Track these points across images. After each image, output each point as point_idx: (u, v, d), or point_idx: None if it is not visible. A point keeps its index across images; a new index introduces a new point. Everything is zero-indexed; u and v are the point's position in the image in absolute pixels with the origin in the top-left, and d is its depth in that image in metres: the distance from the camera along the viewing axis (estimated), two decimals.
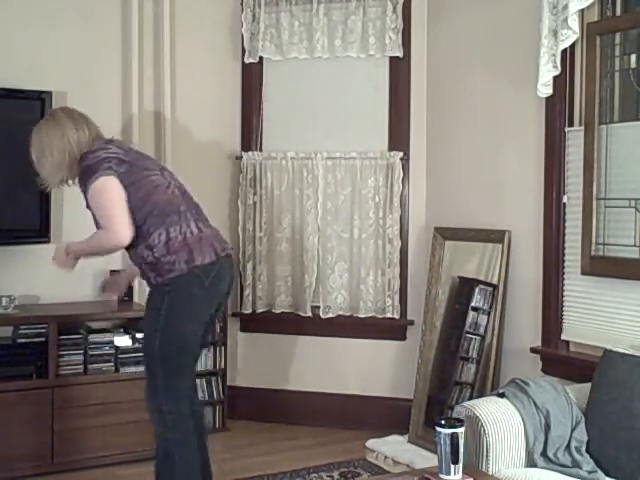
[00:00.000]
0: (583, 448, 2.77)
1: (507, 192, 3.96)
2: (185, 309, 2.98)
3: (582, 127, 3.49)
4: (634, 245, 3.28)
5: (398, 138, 4.51)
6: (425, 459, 3.73)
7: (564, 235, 3.66)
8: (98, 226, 3.03)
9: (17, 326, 3.93)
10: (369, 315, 4.54)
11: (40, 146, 3.07)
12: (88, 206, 3.02)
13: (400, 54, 4.45)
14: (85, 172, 2.96)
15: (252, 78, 4.72)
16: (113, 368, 4.01)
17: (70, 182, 3.15)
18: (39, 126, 3.13)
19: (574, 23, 3.36)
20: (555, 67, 3.49)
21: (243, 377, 4.74)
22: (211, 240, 3.03)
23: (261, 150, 4.70)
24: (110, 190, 2.92)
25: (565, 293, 3.65)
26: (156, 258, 2.96)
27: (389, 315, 4.51)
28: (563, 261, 3.66)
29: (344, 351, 4.59)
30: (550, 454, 2.74)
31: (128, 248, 3.04)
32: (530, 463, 2.76)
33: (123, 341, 4.07)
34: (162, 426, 3.01)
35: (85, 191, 2.98)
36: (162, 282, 2.98)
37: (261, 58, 4.65)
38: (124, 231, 2.91)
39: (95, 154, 2.97)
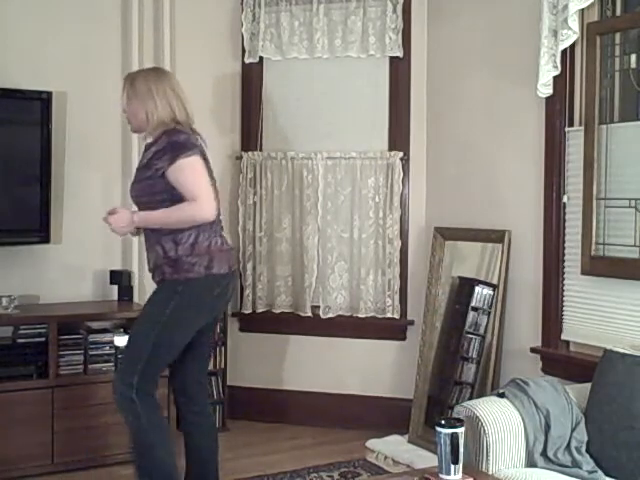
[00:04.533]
0: (583, 448, 2.77)
1: (507, 192, 3.96)
2: (190, 313, 3.06)
3: (582, 127, 3.49)
4: (634, 245, 3.28)
5: (398, 138, 4.51)
6: (425, 459, 3.73)
7: (564, 235, 3.66)
8: (141, 206, 3.09)
9: (17, 326, 3.92)
10: (369, 315, 4.53)
11: (153, 91, 3.13)
12: (144, 180, 3.06)
13: (400, 54, 4.45)
14: (175, 146, 3.02)
15: (252, 78, 4.71)
16: (113, 368, 4.01)
17: (146, 137, 3.23)
18: (160, 74, 3.23)
19: (574, 23, 3.36)
20: (555, 67, 3.49)
21: (243, 377, 4.74)
22: (228, 255, 3.15)
23: (261, 150, 4.70)
24: (201, 169, 3.04)
25: (565, 293, 3.66)
26: (178, 255, 3.02)
27: (389, 315, 4.51)
28: (563, 261, 3.66)
29: (344, 351, 4.59)
30: (550, 454, 2.74)
31: (152, 231, 3.09)
32: (530, 463, 2.76)
33: (123, 341, 4.04)
34: (132, 414, 3.04)
35: (170, 163, 2.99)
36: (177, 279, 3.02)
37: (261, 58, 4.65)
38: (211, 207, 3.00)
39: (185, 134, 3.07)
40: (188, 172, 3.00)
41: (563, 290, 3.66)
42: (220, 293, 3.11)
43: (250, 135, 4.73)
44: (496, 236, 3.97)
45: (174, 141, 3.04)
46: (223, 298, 3.17)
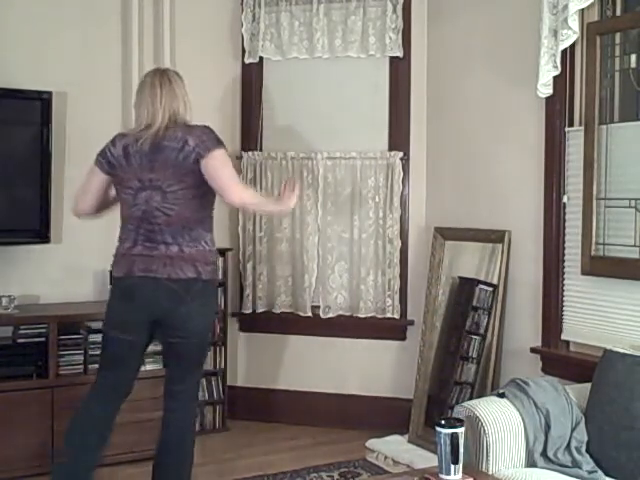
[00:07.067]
0: (583, 448, 2.77)
1: (507, 192, 3.96)
2: (106, 313, 3.21)
3: (582, 127, 3.49)
4: (634, 245, 3.28)
5: (398, 138, 4.51)
6: (425, 459, 3.73)
7: (564, 235, 3.66)
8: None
9: (17, 326, 3.92)
10: (369, 315, 4.53)
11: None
12: None
13: (400, 54, 4.45)
14: None
15: (252, 78, 4.72)
16: None
17: None
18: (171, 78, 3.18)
19: (574, 23, 3.36)
20: (555, 67, 3.49)
21: (243, 377, 4.74)
22: (134, 259, 3.08)
23: (261, 150, 4.70)
24: (88, 173, 3.22)
25: (565, 293, 3.65)
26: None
27: (389, 315, 4.51)
28: (563, 261, 3.66)
29: (344, 351, 4.59)
30: (550, 454, 2.74)
31: None
32: (530, 463, 2.76)
33: None
34: None
35: None
36: None
37: (261, 58, 4.65)
38: (75, 205, 3.29)
39: (109, 142, 3.19)
40: None
41: (563, 290, 3.66)
42: (123, 297, 3.10)
43: (250, 135, 4.73)
44: (496, 236, 3.97)
45: None
46: (129, 302, 3.08)
